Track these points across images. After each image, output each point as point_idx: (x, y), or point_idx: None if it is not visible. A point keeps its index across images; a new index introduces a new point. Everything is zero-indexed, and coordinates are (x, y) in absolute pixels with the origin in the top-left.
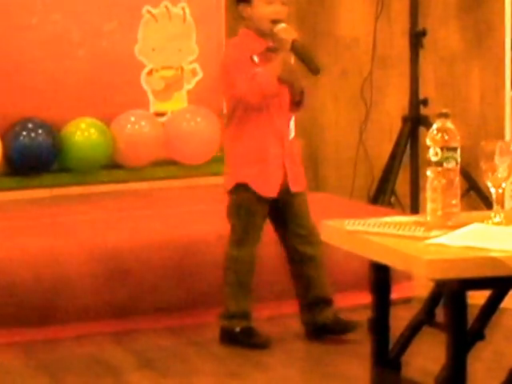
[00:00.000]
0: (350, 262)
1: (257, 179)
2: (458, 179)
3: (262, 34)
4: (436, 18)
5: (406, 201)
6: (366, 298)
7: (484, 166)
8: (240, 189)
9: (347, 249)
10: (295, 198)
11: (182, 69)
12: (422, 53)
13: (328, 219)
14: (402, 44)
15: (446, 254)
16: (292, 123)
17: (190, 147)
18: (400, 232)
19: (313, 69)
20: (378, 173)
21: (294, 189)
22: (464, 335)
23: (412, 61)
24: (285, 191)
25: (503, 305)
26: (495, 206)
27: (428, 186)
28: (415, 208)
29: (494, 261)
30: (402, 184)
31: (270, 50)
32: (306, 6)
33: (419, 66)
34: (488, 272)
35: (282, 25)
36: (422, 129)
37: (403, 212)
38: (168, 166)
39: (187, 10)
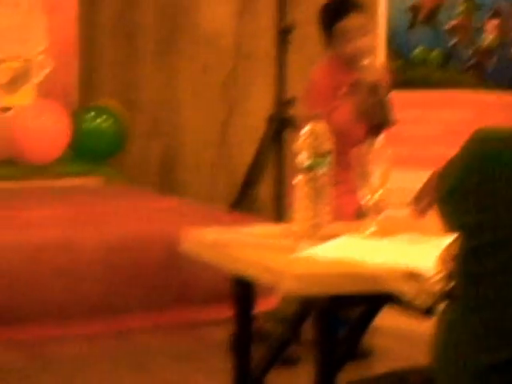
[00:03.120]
0: (211, 273)
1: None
2: (329, 186)
3: (350, 66)
4: (304, 12)
5: (270, 207)
6: (222, 312)
7: (358, 172)
8: None
9: (209, 262)
10: None
11: (30, 60)
12: (289, 49)
13: (186, 227)
14: (268, 39)
15: (314, 267)
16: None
17: (36, 145)
18: (267, 243)
19: (382, 119)
20: (240, 177)
21: None
22: (333, 355)
23: (278, 58)
24: None
25: (376, 323)
26: (368, 217)
27: (297, 193)
28: (279, 215)
29: (367, 275)
30: (265, 189)
31: (357, 83)
32: None
33: (286, 64)
34: (360, 287)
35: (367, 61)
36: (287, 130)
37: (266, 219)
38: (12, 165)
39: None
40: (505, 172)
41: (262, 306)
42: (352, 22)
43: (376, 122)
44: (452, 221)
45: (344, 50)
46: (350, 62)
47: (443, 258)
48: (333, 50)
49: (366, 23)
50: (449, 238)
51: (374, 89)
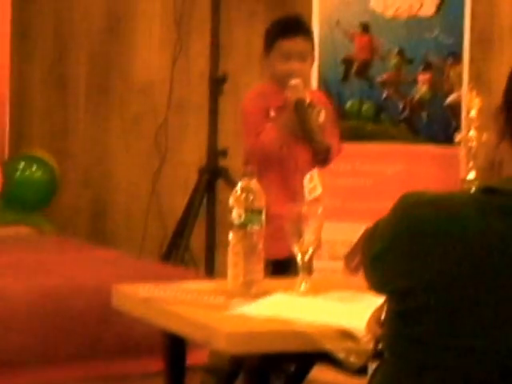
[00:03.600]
0: (143, 325)
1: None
2: (261, 243)
3: (282, 87)
4: (238, 62)
5: (201, 258)
6: (154, 366)
7: (290, 229)
8: None
9: (140, 317)
10: None
11: None
12: (222, 100)
13: (116, 279)
14: (201, 89)
15: (247, 326)
16: (315, 179)
17: None
18: (199, 300)
19: (307, 135)
20: (171, 228)
21: None
22: None
23: (211, 108)
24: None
25: (309, 377)
26: (301, 274)
27: (230, 250)
28: (210, 266)
29: (299, 334)
30: (196, 240)
31: (285, 104)
32: (97, 44)
33: (219, 114)
34: (293, 346)
35: (294, 81)
36: (220, 182)
37: (197, 270)
38: None
39: None
40: (432, 238)
41: (195, 359)
42: (295, 43)
43: (308, 141)
44: (380, 285)
45: (279, 69)
46: (282, 84)
47: (371, 323)
48: (268, 68)
49: (309, 50)
50: (380, 298)
51: (299, 106)
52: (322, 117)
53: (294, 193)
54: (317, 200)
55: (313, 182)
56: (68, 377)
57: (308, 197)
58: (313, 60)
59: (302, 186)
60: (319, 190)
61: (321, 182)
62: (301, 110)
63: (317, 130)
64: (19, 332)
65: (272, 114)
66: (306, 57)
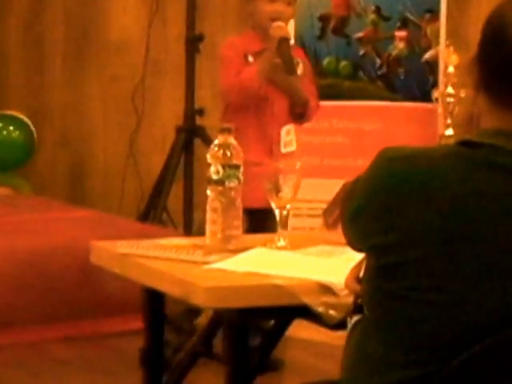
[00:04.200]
0: (123, 284)
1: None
2: (240, 199)
3: (263, 32)
4: (214, 22)
5: (179, 218)
6: (134, 324)
7: (268, 185)
8: None
9: (120, 273)
10: None
11: None
12: (198, 59)
13: (94, 239)
14: (178, 49)
15: (226, 280)
16: (292, 134)
17: None
18: (177, 256)
19: (288, 69)
20: (148, 187)
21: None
22: (245, 368)
23: (188, 67)
24: None
25: (287, 334)
26: (279, 229)
27: (208, 206)
28: (188, 226)
29: (278, 288)
30: (174, 200)
31: (265, 49)
32: (73, 5)
33: (195, 74)
34: (272, 300)
35: (277, 23)
36: (197, 140)
37: (175, 230)
38: None
39: None
40: (412, 192)
41: None
42: None
43: (288, 85)
44: (358, 242)
45: (263, 10)
46: (264, 28)
47: (350, 280)
48: (251, 14)
49: None
50: (358, 253)
51: (283, 43)
52: (300, 69)
53: (270, 142)
54: (291, 155)
55: (289, 136)
56: (48, 336)
57: (283, 150)
58: (294, 11)
59: (278, 136)
60: (294, 146)
61: (297, 138)
62: (284, 47)
63: (297, 75)
64: None
65: (250, 59)
66: (291, 1)
